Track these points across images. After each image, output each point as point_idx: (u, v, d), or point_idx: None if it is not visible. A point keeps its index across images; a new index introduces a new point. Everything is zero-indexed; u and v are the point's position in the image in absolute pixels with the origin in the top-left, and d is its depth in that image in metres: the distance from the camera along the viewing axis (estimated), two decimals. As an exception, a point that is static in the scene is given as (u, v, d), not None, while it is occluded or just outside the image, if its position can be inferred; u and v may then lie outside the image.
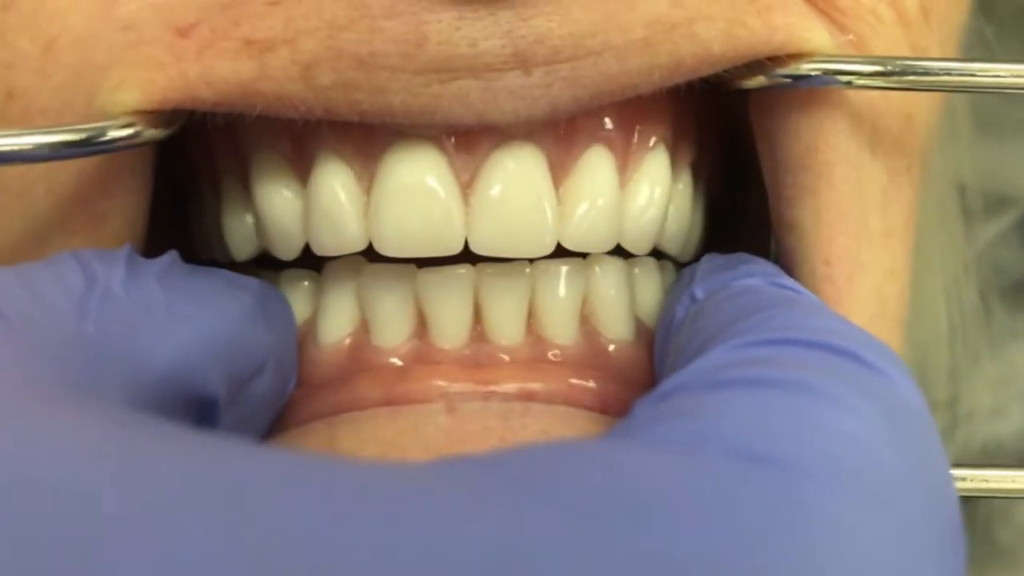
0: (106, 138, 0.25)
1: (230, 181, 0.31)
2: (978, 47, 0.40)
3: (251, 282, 0.28)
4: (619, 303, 0.30)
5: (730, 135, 0.33)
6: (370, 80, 0.25)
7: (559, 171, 0.29)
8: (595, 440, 0.20)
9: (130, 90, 0.25)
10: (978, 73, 0.28)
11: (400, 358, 0.29)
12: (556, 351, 0.29)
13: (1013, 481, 0.30)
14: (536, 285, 0.29)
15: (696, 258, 0.31)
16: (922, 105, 0.30)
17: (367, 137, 0.28)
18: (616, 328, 0.30)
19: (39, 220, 0.27)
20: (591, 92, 0.26)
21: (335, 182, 0.28)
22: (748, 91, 0.29)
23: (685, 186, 0.32)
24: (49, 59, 0.26)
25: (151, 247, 0.27)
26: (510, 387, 0.28)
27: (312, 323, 0.30)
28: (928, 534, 0.20)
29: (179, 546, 0.16)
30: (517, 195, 0.28)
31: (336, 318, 0.29)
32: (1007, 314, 0.44)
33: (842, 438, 0.20)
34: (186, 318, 0.24)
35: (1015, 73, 0.28)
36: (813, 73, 0.28)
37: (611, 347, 0.30)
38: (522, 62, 0.25)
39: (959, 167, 0.42)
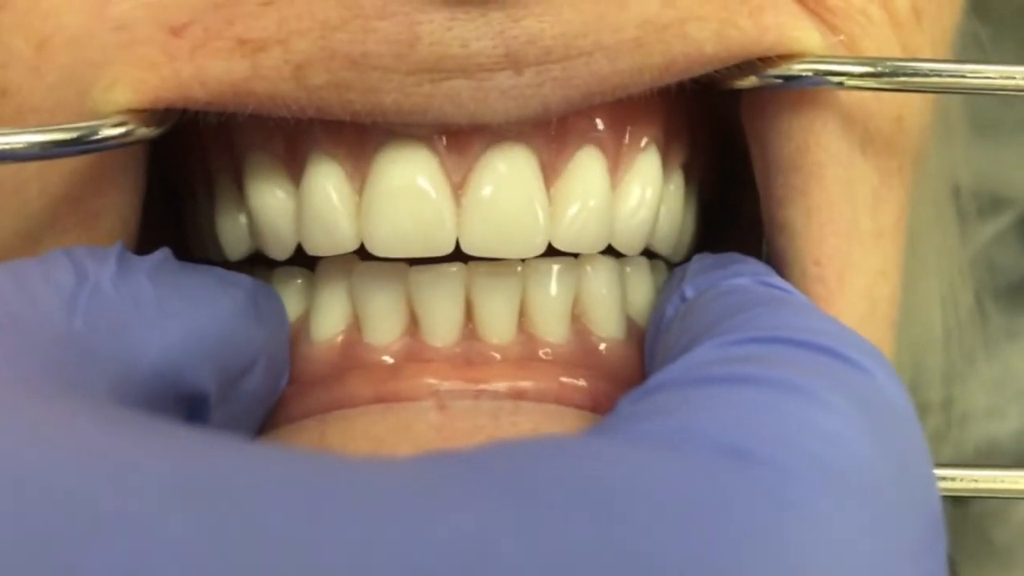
0: (98, 137, 0.25)
1: (224, 181, 0.31)
2: (972, 49, 0.40)
3: (243, 279, 0.28)
4: (610, 302, 0.30)
5: (722, 136, 0.33)
6: (362, 80, 0.25)
7: (550, 172, 0.29)
8: (577, 436, 0.20)
9: (123, 89, 0.26)
10: (969, 74, 0.28)
11: (391, 356, 0.29)
12: (547, 350, 0.29)
13: (1003, 481, 0.30)
14: (527, 284, 0.29)
15: (688, 258, 0.31)
16: (914, 106, 0.30)
17: (359, 138, 0.28)
18: (607, 327, 0.30)
19: (32, 218, 0.27)
20: (582, 92, 0.26)
21: (327, 183, 0.28)
22: (740, 92, 0.29)
23: (677, 187, 0.32)
24: (42, 58, 0.26)
25: (146, 247, 0.27)
26: (501, 385, 0.28)
27: (304, 320, 0.30)
28: (908, 533, 0.20)
29: (159, 544, 0.16)
30: (508, 196, 0.28)
31: (328, 315, 0.30)
32: (1002, 316, 0.44)
33: (824, 436, 0.20)
34: (177, 315, 0.24)
35: (1005, 75, 0.28)
36: (804, 74, 0.28)
37: (602, 346, 0.30)
38: (513, 62, 0.25)
39: (954, 169, 0.42)
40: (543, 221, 0.28)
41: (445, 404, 0.27)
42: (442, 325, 0.29)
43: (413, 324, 0.29)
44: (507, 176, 0.28)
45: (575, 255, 0.30)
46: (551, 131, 0.29)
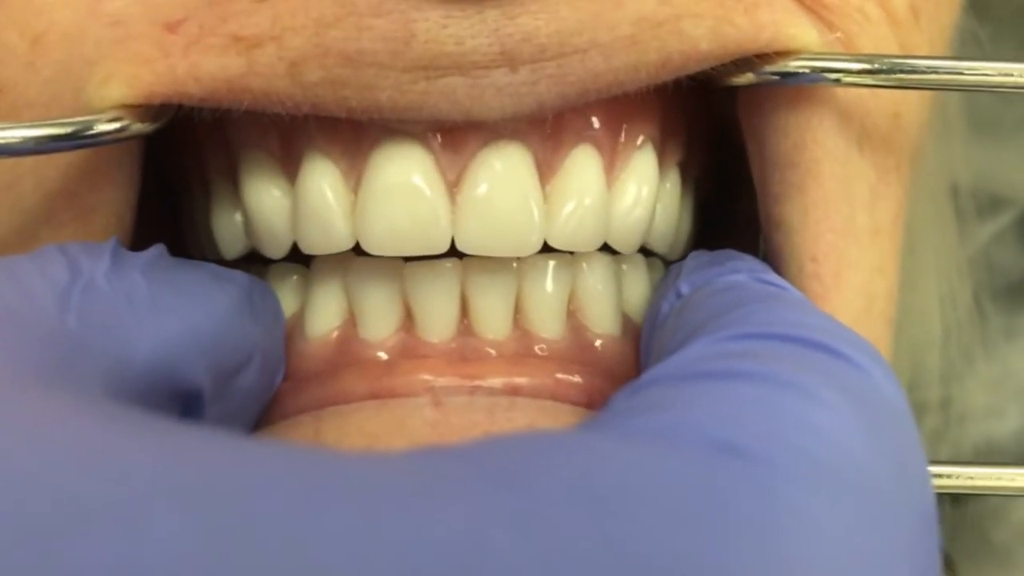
0: (93, 132, 0.25)
1: (219, 180, 0.31)
2: (972, 48, 0.39)
3: (238, 276, 0.28)
4: (606, 298, 0.30)
5: (719, 133, 0.33)
6: (357, 77, 0.25)
7: (546, 170, 0.29)
8: (570, 431, 0.20)
9: (118, 85, 0.26)
10: (966, 71, 0.28)
11: (387, 352, 0.29)
12: (542, 345, 0.29)
13: (999, 479, 0.30)
14: (523, 280, 0.29)
15: (685, 256, 0.31)
16: (911, 103, 0.30)
17: (354, 136, 0.28)
18: (603, 323, 0.30)
19: (27, 213, 0.27)
20: (578, 89, 0.26)
21: (323, 181, 0.28)
22: (736, 89, 0.29)
23: (673, 185, 0.32)
24: (37, 54, 0.26)
25: (143, 246, 0.27)
26: (496, 381, 0.28)
27: (300, 316, 0.30)
28: (902, 529, 0.20)
29: (150, 539, 0.16)
30: (503, 194, 0.28)
31: (323, 311, 0.30)
32: (1001, 315, 0.44)
33: (818, 432, 0.20)
34: (171, 311, 0.25)
35: (1003, 72, 0.28)
36: (801, 71, 0.28)
37: (598, 342, 0.30)
38: (509, 60, 0.25)
39: (953, 168, 0.42)
40: (538, 219, 0.28)
41: (440, 400, 0.27)
42: (437, 321, 0.29)
43: (408, 320, 0.29)
44: (502, 174, 0.28)
45: (570, 251, 0.30)
46: (547, 129, 0.29)
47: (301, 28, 0.25)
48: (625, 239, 0.30)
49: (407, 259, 0.29)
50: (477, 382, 0.28)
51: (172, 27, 0.26)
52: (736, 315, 0.24)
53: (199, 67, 0.25)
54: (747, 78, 0.28)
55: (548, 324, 0.30)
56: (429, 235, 0.28)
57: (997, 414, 0.44)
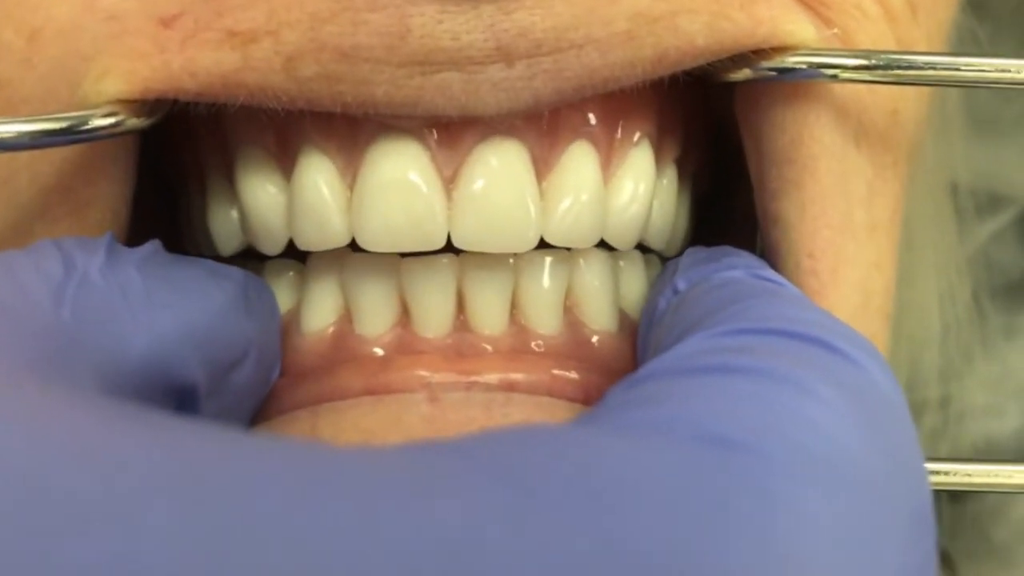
0: (88, 126, 0.25)
1: (216, 177, 0.31)
2: (970, 46, 0.39)
3: (234, 272, 0.28)
4: (603, 294, 0.30)
5: (716, 129, 0.33)
6: (353, 72, 0.25)
7: (542, 166, 0.29)
8: (566, 425, 0.20)
9: (113, 80, 0.26)
10: (963, 67, 0.28)
11: (383, 347, 0.29)
12: (539, 341, 0.29)
13: (997, 476, 0.30)
14: (520, 275, 0.29)
15: (682, 252, 0.31)
16: (908, 100, 0.30)
17: (350, 132, 0.28)
18: (600, 319, 0.30)
19: (22, 208, 0.27)
20: (574, 85, 0.26)
21: (318, 177, 0.28)
22: (733, 85, 0.29)
23: (670, 181, 0.32)
24: (33, 49, 0.26)
25: (139, 242, 0.27)
26: (492, 377, 0.28)
27: (296, 312, 0.30)
28: (897, 525, 0.20)
29: (145, 534, 0.16)
30: (500, 190, 0.28)
31: (320, 307, 0.30)
32: (1000, 314, 0.44)
33: (813, 427, 0.20)
34: (166, 306, 0.24)
35: (1001, 68, 0.28)
36: (798, 66, 0.28)
37: (594, 338, 0.30)
38: (504, 55, 0.25)
39: (952, 166, 0.42)
40: (535, 215, 0.28)
41: (436, 396, 0.27)
42: (434, 317, 0.29)
43: (404, 316, 0.29)
44: (499, 170, 0.28)
45: (567, 247, 0.30)
46: (543, 125, 0.29)
47: (297, 23, 0.25)
48: (622, 235, 0.30)
49: (403, 255, 0.29)
50: (473, 378, 0.28)
51: (168, 22, 0.26)
52: (732, 311, 0.24)
53: (195, 62, 0.25)
54: (744, 74, 0.28)
55: (545, 320, 0.29)
56: (425, 231, 0.28)
57: (996, 413, 0.44)
